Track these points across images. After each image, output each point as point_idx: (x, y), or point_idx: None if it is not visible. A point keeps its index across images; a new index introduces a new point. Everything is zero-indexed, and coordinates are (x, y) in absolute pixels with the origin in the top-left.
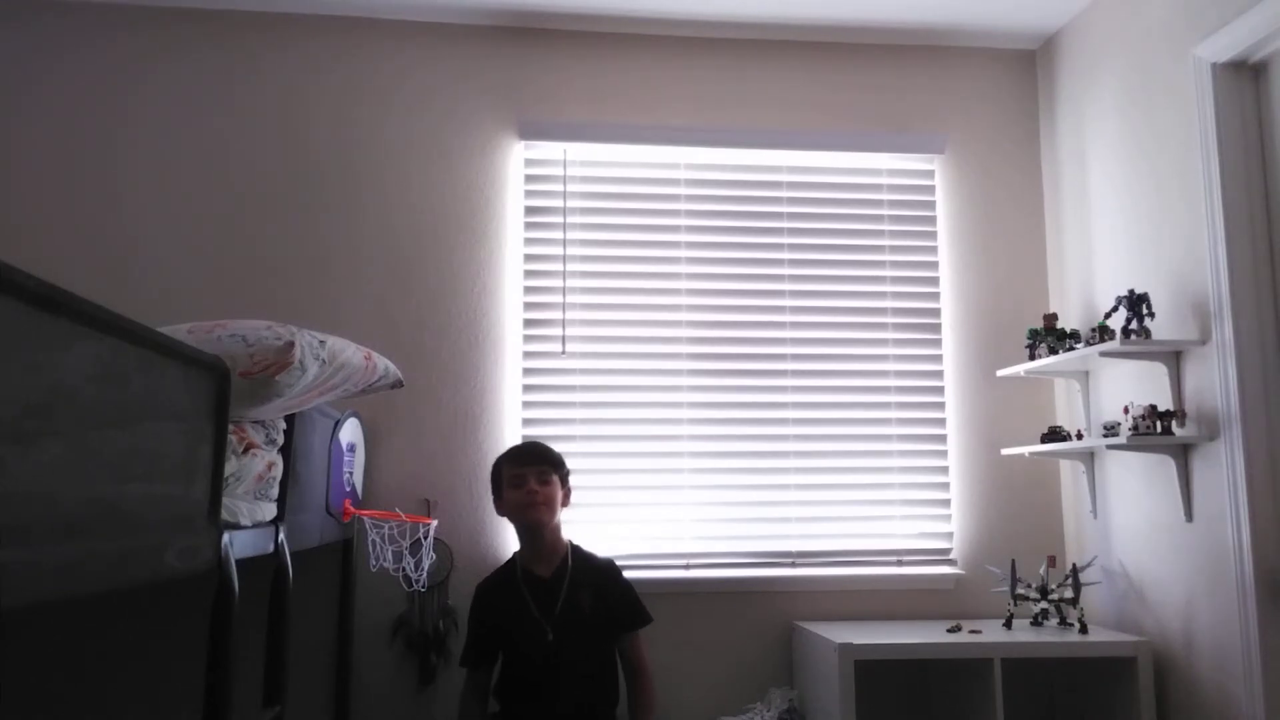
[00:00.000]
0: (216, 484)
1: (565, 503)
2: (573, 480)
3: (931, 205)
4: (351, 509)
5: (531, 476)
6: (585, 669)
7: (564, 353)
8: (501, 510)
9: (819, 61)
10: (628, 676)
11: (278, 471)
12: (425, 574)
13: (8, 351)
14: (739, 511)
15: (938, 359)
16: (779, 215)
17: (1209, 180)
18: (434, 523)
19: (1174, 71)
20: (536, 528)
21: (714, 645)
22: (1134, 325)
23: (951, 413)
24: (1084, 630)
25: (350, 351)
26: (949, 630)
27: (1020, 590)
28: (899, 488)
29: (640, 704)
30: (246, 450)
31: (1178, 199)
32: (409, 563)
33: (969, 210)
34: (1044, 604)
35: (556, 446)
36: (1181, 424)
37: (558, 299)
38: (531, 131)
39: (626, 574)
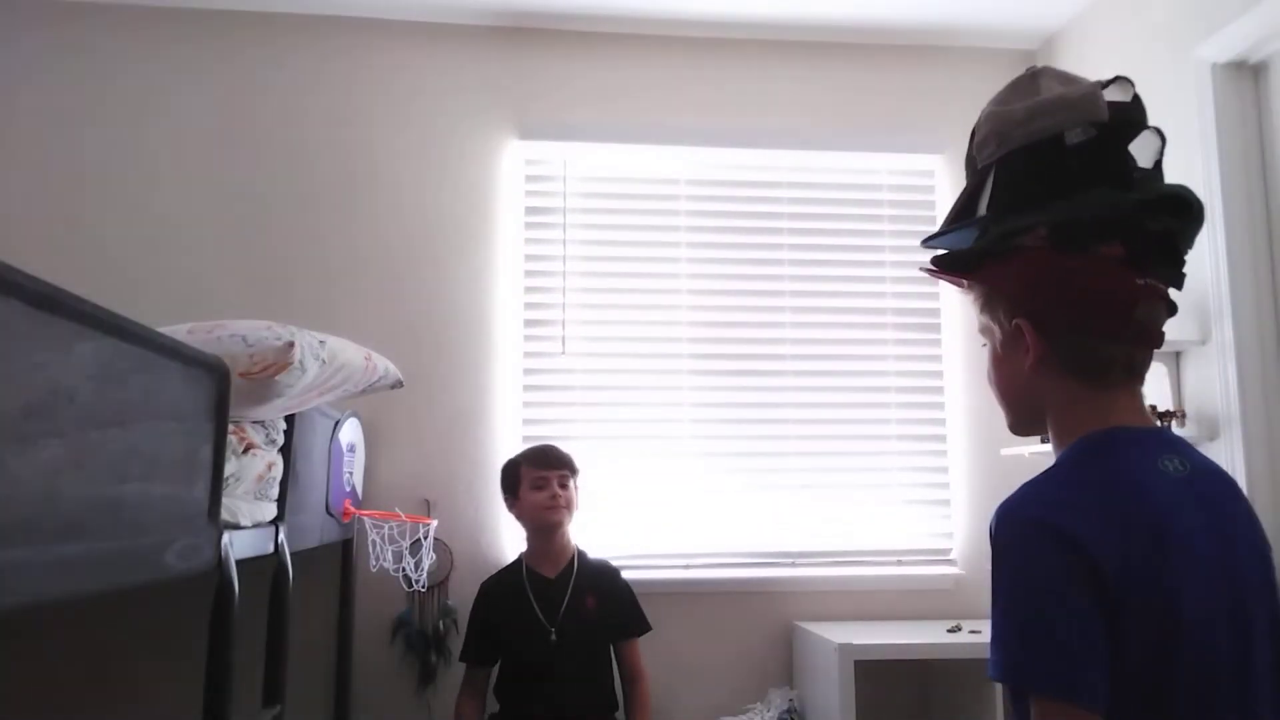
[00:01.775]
0: (216, 484)
1: (576, 506)
2: (575, 479)
3: (931, 205)
4: (351, 509)
5: (554, 480)
6: (586, 671)
7: (564, 353)
8: (515, 510)
9: (819, 62)
10: (625, 681)
11: (278, 471)
12: (425, 574)
13: (8, 351)
14: (739, 511)
15: (938, 359)
16: (779, 215)
17: (1209, 180)
18: (434, 523)
19: (1174, 71)
20: (554, 530)
21: (714, 645)
22: None
23: (951, 413)
24: None
25: (350, 352)
26: (949, 630)
27: None
28: (899, 487)
29: (638, 708)
30: (246, 450)
31: None
32: (409, 563)
33: None
34: None
35: (558, 446)
36: (1181, 424)
37: (558, 299)
38: (531, 132)
39: (627, 573)
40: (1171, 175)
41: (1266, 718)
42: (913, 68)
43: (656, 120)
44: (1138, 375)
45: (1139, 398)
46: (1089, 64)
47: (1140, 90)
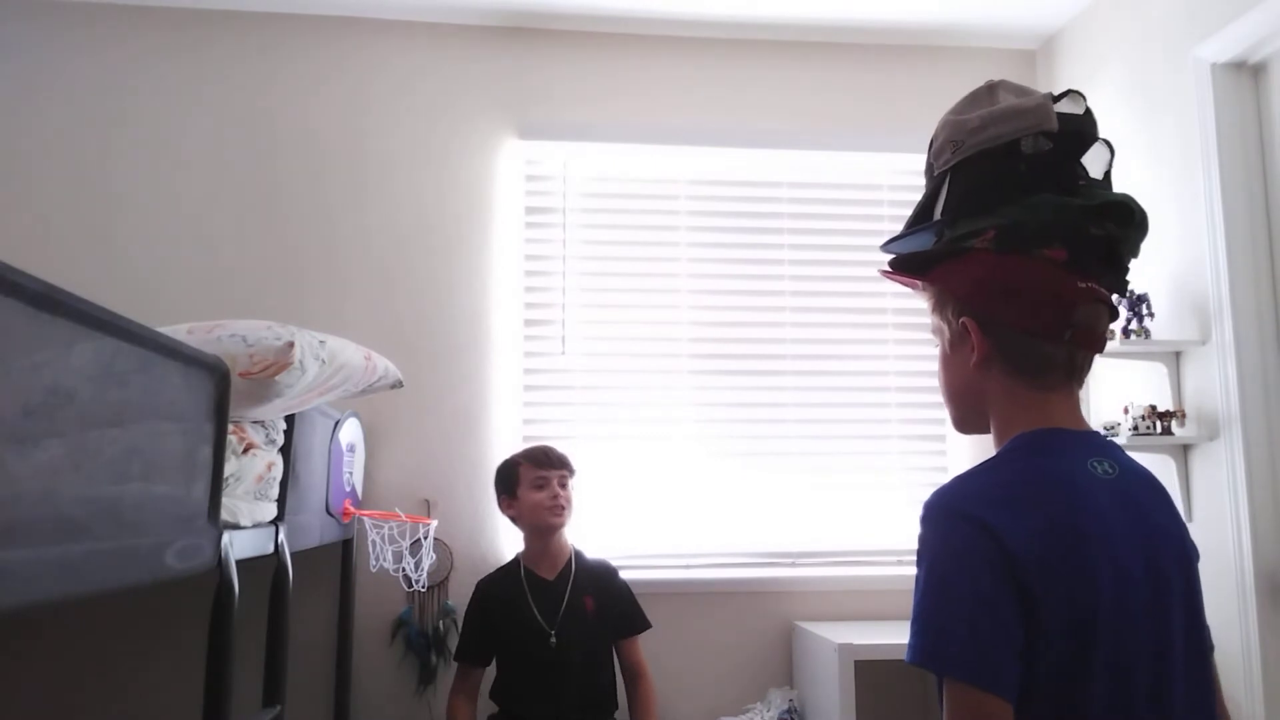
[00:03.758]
0: (216, 484)
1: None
2: (572, 480)
3: None
4: (351, 509)
5: (555, 480)
6: (585, 673)
7: (564, 353)
8: (512, 510)
9: (819, 61)
10: (628, 680)
11: (277, 471)
12: (425, 574)
13: (8, 351)
14: (739, 511)
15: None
16: (779, 215)
17: (1209, 180)
18: (434, 523)
19: (1174, 71)
20: (554, 531)
21: (714, 645)
22: (1134, 325)
23: None
24: None
25: (350, 351)
26: None
27: None
28: (899, 487)
29: (643, 707)
30: (246, 450)
31: (1177, 199)
32: (409, 563)
33: None
34: None
35: (556, 446)
36: (1181, 424)
37: (558, 299)
38: (531, 131)
39: (627, 573)
40: (1171, 175)
41: (1181, 718)
42: (913, 68)
43: (656, 120)
44: (1077, 378)
45: (1077, 400)
46: (1089, 64)
47: (1140, 90)
